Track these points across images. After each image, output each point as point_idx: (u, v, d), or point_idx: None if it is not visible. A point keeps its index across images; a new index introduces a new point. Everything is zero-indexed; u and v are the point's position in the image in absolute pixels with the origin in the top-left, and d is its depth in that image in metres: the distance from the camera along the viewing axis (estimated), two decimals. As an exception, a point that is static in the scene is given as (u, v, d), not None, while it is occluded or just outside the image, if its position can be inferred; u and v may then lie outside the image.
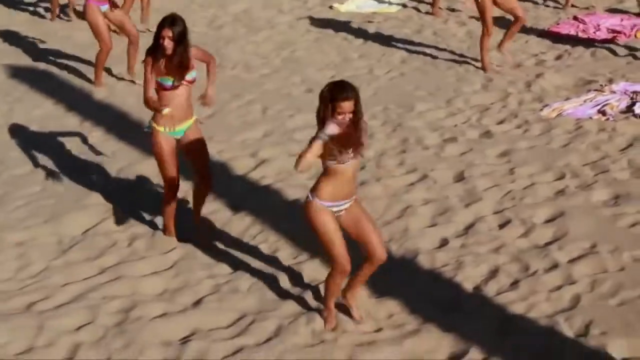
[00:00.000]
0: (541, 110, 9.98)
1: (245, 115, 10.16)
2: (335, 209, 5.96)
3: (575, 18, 13.17)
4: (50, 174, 8.89)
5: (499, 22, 11.98)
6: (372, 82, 11.22)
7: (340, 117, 5.63)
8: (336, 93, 5.65)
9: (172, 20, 6.99)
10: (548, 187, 8.16)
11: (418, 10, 14.41)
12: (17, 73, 11.83)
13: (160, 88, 7.07)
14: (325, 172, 5.91)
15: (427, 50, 12.29)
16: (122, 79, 11.59)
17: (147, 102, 7.09)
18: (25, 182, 8.74)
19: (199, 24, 13.81)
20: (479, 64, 11.43)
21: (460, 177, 8.44)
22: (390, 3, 14.57)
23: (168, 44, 6.91)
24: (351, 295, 6.28)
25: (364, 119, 5.88)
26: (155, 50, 7.00)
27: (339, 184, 5.89)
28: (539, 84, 10.73)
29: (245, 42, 12.95)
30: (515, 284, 6.63)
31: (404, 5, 14.56)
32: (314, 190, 5.97)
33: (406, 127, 9.65)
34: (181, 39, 6.95)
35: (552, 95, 10.39)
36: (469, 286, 6.65)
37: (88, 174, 8.84)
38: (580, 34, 12.51)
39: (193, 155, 7.33)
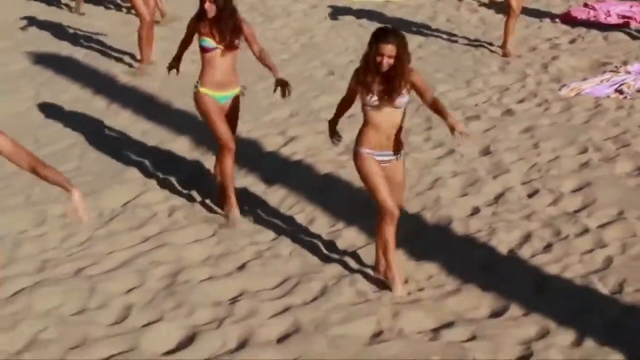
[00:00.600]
0: (559, 90, 10.23)
1: (270, 96, 10.30)
2: (379, 158, 6.20)
3: (585, 5, 13.42)
4: (85, 151, 9.10)
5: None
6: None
7: (379, 58, 5.90)
8: (379, 36, 5.95)
9: None
10: (572, 160, 8.40)
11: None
12: (41, 59, 12.02)
13: (202, 50, 7.32)
14: (364, 120, 6.17)
15: (443, 36, 12.52)
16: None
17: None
18: (61, 159, 8.92)
19: (215, 12, 13.99)
20: (493, 48, 11.66)
21: (486, 152, 8.68)
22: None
23: (209, 7, 7.16)
24: (388, 268, 6.45)
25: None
26: (199, 14, 7.28)
27: (375, 132, 6.13)
28: (556, 65, 10.98)
29: (263, 29, 13.14)
30: (548, 247, 6.87)
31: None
32: (356, 141, 6.26)
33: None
34: (226, 5, 7.21)
35: (569, 76, 10.63)
36: (503, 250, 6.89)
37: (122, 151, 9.04)
38: (592, 20, 12.76)
39: (228, 122, 7.56)
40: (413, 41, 12.32)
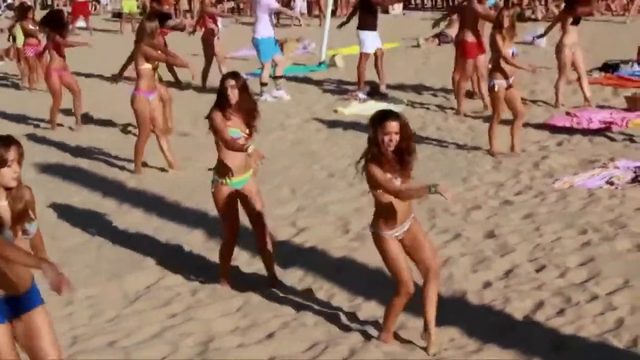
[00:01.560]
0: (553, 183, 10.70)
1: (276, 195, 10.75)
2: (397, 234, 6.56)
3: (567, 113, 14.05)
4: (101, 244, 9.42)
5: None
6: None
7: (386, 137, 6.32)
8: (383, 115, 6.40)
9: (233, 74, 7.75)
10: (573, 241, 8.79)
11: (424, 107, 15.31)
12: (48, 169, 12.40)
13: None
14: (380, 203, 6.52)
15: (434, 142, 13.03)
16: (152, 167, 12.18)
17: (229, 143, 7.67)
18: (79, 252, 9.24)
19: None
20: (484, 151, 12.17)
21: (490, 235, 9.07)
22: (392, 103, 15.41)
23: (232, 92, 7.60)
24: (429, 331, 6.70)
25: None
26: (221, 104, 7.68)
27: (396, 211, 6.50)
28: (547, 163, 11.48)
29: (260, 140, 13.56)
30: (561, 312, 7.21)
31: (406, 105, 15.40)
32: (374, 224, 6.59)
33: (430, 200, 10.21)
34: (244, 88, 7.69)
35: (561, 172, 11.11)
36: (518, 316, 7.22)
37: (137, 244, 9.35)
38: (575, 126, 13.36)
39: (250, 206, 7.93)
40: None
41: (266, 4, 16.70)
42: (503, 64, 11.58)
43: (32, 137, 14.31)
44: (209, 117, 7.77)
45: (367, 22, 16.45)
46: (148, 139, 11.89)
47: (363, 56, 16.50)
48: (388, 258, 6.61)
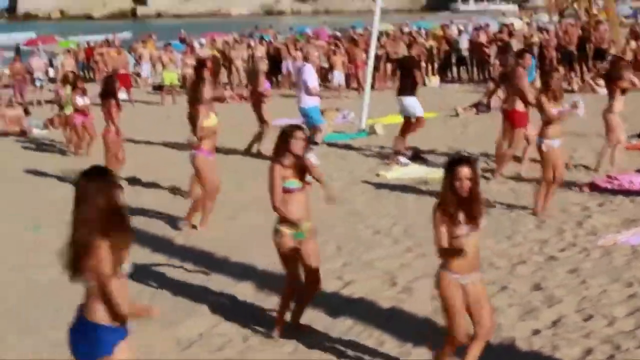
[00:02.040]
0: (597, 240, 10.80)
1: (321, 251, 10.80)
2: (462, 282, 6.69)
3: (608, 176, 14.16)
4: (154, 294, 9.62)
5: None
6: (429, 240, 12.03)
7: (459, 183, 6.49)
8: (456, 161, 6.58)
9: (299, 126, 8.04)
10: (620, 293, 8.88)
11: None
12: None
13: (285, 192, 7.91)
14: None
15: (477, 204, 13.17)
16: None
17: (276, 210, 7.90)
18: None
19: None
20: (528, 211, 12.30)
21: (537, 288, 9.18)
22: (434, 167, 15.63)
23: (297, 144, 7.86)
24: None
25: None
26: (282, 155, 7.91)
27: (463, 259, 6.62)
28: (589, 222, 11.59)
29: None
30: (611, 357, 7.29)
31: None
32: (443, 264, 6.70)
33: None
34: (307, 141, 7.93)
35: (603, 231, 11.21)
36: (568, 362, 7.32)
37: (187, 295, 9.54)
38: (617, 188, 13.47)
39: (309, 258, 8.10)
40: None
41: (305, 81, 17.16)
42: (550, 125, 11.80)
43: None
44: (270, 168, 7.98)
45: (412, 88, 16.76)
46: (214, 196, 12.18)
47: (420, 120, 16.88)
48: (446, 300, 6.70)
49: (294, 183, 7.89)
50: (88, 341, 5.39)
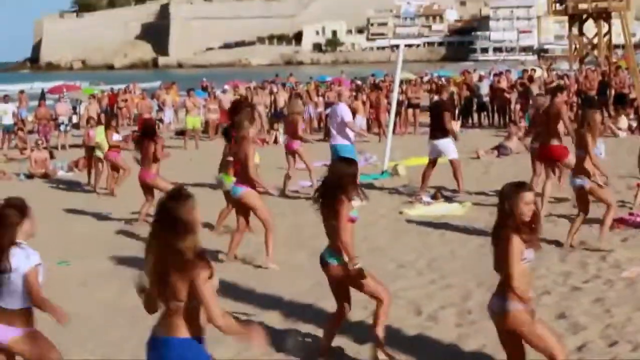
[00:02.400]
0: (621, 272, 10.89)
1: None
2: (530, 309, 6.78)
3: (630, 214, 14.25)
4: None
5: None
6: (456, 260, 12.17)
7: (526, 208, 6.62)
8: (520, 186, 6.73)
9: None
10: (645, 321, 8.98)
11: (487, 208, 15.58)
12: (123, 261, 12.84)
13: (350, 221, 8.22)
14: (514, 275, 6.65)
15: (500, 239, 13.27)
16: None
17: (346, 244, 8.23)
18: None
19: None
20: (552, 246, 12.39)
21: (561, 316, 9.28)
22: (457, 204, 15.79)
23: None
24: None
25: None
26: (349, 191, 8.14)
27: (526, 285, 6.75)
28: (613, 256, 11.68)
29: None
30: (636, 381, 7.38)
31: (471, 205, 15.72)
32: (510, 298, 6.68)
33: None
34: None
35: (627, 264, 11.29)
36: (594, 384, 7.40)
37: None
38: (638, 223, 13.57)
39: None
40: (474, 242, 13.10)
41: (342, 117, 17.45)
42: (587, 164, 11.99)
43: (121, 232, 14.90)
44: (341, 204, 8.16)
45: (443, 131, 17.08)
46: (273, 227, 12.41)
47: (454, 162, 17.34)
48: (534, 335, 6.71)
49: (355, 212, 8.13)
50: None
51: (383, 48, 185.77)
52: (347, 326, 9.08)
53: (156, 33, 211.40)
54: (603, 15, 35.57)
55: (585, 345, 8.35)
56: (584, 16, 36.23)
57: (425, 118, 32.65)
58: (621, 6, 36.14)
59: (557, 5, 36.35)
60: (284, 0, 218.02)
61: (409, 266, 11.90)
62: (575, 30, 36.11)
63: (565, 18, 40.30)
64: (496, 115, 33.45)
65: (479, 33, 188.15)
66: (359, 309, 9.90)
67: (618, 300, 9.76)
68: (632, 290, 10.12)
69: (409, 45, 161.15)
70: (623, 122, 27.44)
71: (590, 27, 36.46)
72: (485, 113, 34.21)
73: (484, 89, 33.71)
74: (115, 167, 20.28)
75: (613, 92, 29.58)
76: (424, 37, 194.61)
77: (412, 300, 10.21)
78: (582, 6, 35.57)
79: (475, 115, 34.48)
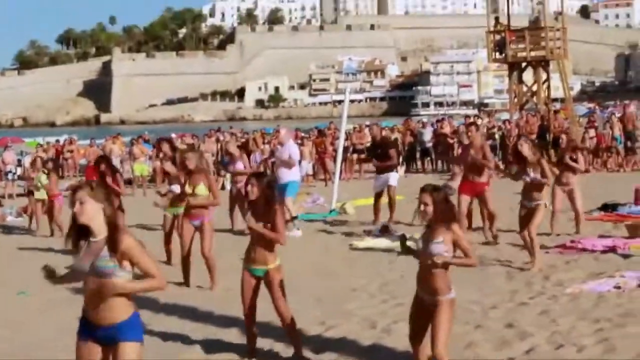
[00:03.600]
0: (565, 290, 11.37)
1: (304, 302, 11.37)
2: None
3: (572, 242, 14.79)
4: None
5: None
6: (406, 283, 12.52)
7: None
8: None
9: None
10: (588, 328, 9.42)
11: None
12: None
13: None
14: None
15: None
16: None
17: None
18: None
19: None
20: (497, 266, 12.86)
21: (509, 326, 9.69)
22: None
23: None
24: None
25: None
26: None
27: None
28: (556, 276, 12.18)
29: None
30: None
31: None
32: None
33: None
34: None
35: (570, 282, 11.78)
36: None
37: (178, 340, 9.94)
38: (580, 249, 14.10)
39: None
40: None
41: (290, 154, 17.82)
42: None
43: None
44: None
45: (391, 166, 18.37)
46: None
47: (391, 188, 18.41)
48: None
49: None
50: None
51: (325, 103, 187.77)
52: (304, 340, 9.39)
53: (98, 90, 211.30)
54: (542, 64, 36.52)
55: (533, 349, 8.76)
56: (523, 64, 37.16)
57: (370, 165, 33.42)
58: (559, 55, 37.18)
59: (497, 54, 37.19)
60: (226, 56, 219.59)
61: (361, 289, 12.25)
62: (515, 78, 37.01)
63: (505, 73, 41.19)
64: (440, 162, 34.14)
65: (420, 88, 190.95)
66: (314, 325, 10.25)
67: (563, 312, 10.20)
68: (575, 304, 10.58)
69: (351, 101, 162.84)
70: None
71: (529, 75, 37.45)
72: (428, 158, 34.90)
73: (427, 135, 34.45)
74: (51, 211, 20.50)
75: (552, 135, 30.41)
76: (366, 92, 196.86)
77: (366, 317, 10.55)
78: (521, 54, 36.51)
79: (419, 162, 35.12)
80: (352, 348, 9.24)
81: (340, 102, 34.62)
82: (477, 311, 10.46)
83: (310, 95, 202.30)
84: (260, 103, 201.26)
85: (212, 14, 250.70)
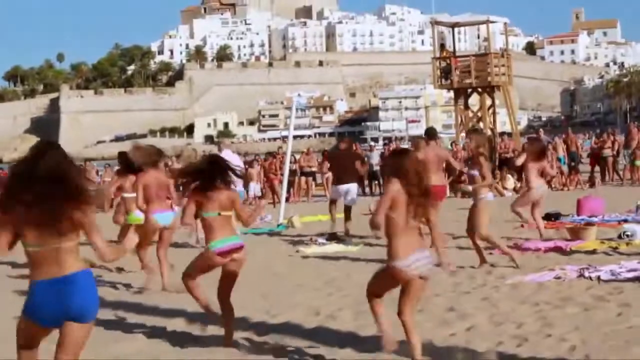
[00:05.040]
0: (506, 281, 11.57)
1: (248, 299, 11.44)
2: None
3: (515, 244, 15.03)
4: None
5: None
6: (351, 280, 12.69)
7: None
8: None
9: None
10: (528, 310, 9.68)
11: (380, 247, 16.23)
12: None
13: None
14: None
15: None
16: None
17: None
18: None
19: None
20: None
21: (451, 309, 9.89)
22: (350, 245, 16.41)
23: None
24: None
25: None
26: None
27: None
28: (498, 271, 12.39)
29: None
30: (519, 345, 8.03)
31: (363, 245, 16.33)
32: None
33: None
34: None
35: (511, 275, 12.00)
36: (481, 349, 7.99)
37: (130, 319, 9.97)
38: (525, 248, 14.37)
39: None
40: (368, 267, 13.65)
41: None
42: None
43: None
44: None
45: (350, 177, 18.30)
46: None
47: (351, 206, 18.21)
48: None
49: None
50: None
51: (275, 139, 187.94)
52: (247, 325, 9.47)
53: (46, 127, 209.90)
54: (487, 89, 37.08)
55: (473, 327, 8.95)
56: (469, 90, 37.70)
57: (319, 189, 33.64)
58: (503, 81, 37.77)
59: (443, 80, 37.69)
60: (175, 93, 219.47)
61: (307, 285, 12.36)
62: (461, 104, 37.56)
63: (452, 108, 41.65)
64: (387, 184, 34.35)
65: (368, 123, 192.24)
66: (262, 314, 10.34)
67: (503, 298, 10.42)
68: (516, 292, 10.80)
69: (301, 136, 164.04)
70: (510, 182, 28.85)
71: (475, 100, 38.02)
72: (376, 182, 35.14)
73: (375, 158, 34.72)
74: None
75: (498, 156, 30.90)
76: (315, 128, 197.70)
77: (311, 307, 10.66)
78: (467, 80, 37.03)
79: (367, 185, 35.34)
80: (296, 331, 9.34)
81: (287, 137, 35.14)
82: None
83: (260, 131, 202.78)
84: (209, 139, 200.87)
85: (160, 51, 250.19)
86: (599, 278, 11.25)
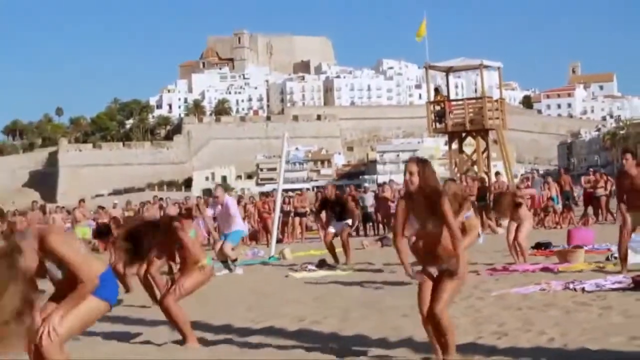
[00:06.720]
0: (491, 293, 11.62)
1: (240, 305, 11.51)
2: None
3: (504, 267, 15.10)
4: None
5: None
6: (340, 295, 12.73)
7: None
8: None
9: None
10: (510, 314, 9.74)
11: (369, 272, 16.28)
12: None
13: None
14: None
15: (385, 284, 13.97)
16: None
17: None
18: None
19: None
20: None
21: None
22: (339, 271, 16.49)
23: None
24: None
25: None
26: None
27: None
28: (485, 286, 12.45)
29: (216, 293, 14.45)
30: (499, 339, 8.06)
31: (353, 271, 16.39)
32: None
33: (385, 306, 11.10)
34: None
35: (496, 289, 12.05)
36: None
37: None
38: (511, 270, 14.42)
39: None
40: (357, 287, 13.71)
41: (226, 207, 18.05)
42: None
43: None
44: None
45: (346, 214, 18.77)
46: None
47: (347, 237, 18.62)
48: None
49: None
50: None
51: (273, 192, 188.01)
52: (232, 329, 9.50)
53: (44, 180, 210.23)
54: (481, 133, 37.38)
55: (455, 327, 8.97)
56: (463, 134, 38.01)
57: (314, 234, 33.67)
58: (497, 124, 38.06)
59: (437, 123, 37.97)
60: (173, 146, 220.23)
61: (295, 301, 12.39)
62: (455, 148, 37.83)
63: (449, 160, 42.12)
64: (381, 226, 34.43)
65: (366, 177, 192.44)
66: (247, 322, 10.37)
67: (487, 306, 10.46)
68: (501, 301, 10.86)
69: (299, 190, 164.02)
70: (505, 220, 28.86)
71: (469, 144, 38.29)
72: (370, 224, 35.18)
73: (369, 200, 34.79)
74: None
75: (492, 196, 30.97)
76: (313, 182, 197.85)
77: (296, 316, 10.70)
78: (460, 124, 37.35)
79: (361, 227, 35.36)
80: (280, 334, 9.38)
81: (286, 190, 35.36)
82: (400, 307, 10.66)
83: (258, 184, 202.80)
84: (207, 193, 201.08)
85: (159, 105, 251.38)
86: (583, 289, 11.31)
